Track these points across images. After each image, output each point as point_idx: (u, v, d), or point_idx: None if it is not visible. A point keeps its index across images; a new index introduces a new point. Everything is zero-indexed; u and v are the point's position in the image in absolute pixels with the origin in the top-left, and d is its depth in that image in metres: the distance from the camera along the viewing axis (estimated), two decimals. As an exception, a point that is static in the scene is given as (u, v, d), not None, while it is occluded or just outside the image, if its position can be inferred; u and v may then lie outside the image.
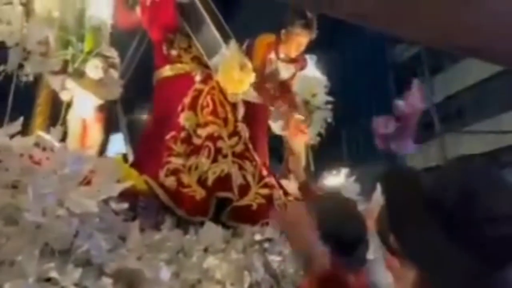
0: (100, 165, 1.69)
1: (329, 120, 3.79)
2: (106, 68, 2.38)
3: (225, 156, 2.42)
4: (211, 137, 2.44)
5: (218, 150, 2.42)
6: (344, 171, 3.04)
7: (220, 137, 2.46)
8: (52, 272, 1.48)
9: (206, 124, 2.50)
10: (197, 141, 2.46)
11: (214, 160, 2.39)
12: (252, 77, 2.68)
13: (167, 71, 3.03)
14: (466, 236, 0.77)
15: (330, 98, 3.82)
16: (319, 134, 3.72)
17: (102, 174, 1.66)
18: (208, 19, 2.80)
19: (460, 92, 17.11)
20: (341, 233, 1.49)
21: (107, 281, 1.69)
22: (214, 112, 2.56)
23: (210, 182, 2.32)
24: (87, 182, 1.71)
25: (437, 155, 17.83)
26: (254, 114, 3.04)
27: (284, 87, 3.34)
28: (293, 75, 3.37)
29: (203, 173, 2.35)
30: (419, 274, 0.85)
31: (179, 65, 3.01)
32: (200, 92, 2.65)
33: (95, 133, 2.28)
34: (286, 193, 2.78)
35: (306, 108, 3.51)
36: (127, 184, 1.73)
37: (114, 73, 2.70)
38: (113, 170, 1.69)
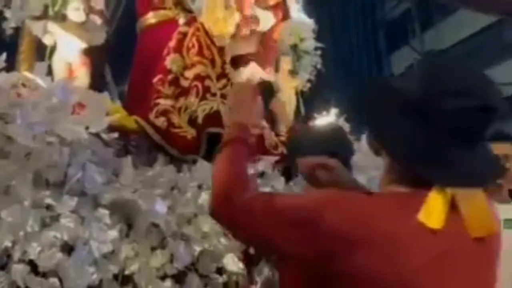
0: (89, 98, 1.71)
1: (319, 66, 3.81)
2: (87, 12, 2.36)
3: (213, 95, 2.44)
4: (198, 77, 2.45)
5: (206, 89, 2.44)
6: (334, 111, 3.07)
7: (207, 77, 2.47)
8: (47, 199, 1.53)
9: (192, 65, 2.50)
10: (185, 83, 2.47)
11: (203, 98, 2.41)
12: (236, 17, 2.67)
13: (150, 19, 2.99)
14: (426, 111, 0.82)
15: (319, 44, 3.82)
16: (309, 80, 3.74)
17: (91, 107, 1.68)
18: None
19: (452, 46, 17.05)
20: None
21: (103, 212, 1.74)
22: (200, 53, 2.56)
23: (200, 119, 2.35)
24: (76, 114, 1.73)
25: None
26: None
27: (267, 42, 3.27)
28: (275, 28, 3.29)
29: (193, 113, 2.37)
30: (390, 161, 0.91)
31: (162, 11, 2.98)
32: (184, 34, 2.63)
33: (81, 77, 2.28)
34: (277, 134, 2.83)
35: (295, 52, 3.51)
36: (115, 117, 1.76)
37: (98, 20, 2.69)
38: (102, 104, 1.71)
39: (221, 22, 2.60)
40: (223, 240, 2.04)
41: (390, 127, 0.87)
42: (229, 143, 1.12)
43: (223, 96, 2.58)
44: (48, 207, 1.53)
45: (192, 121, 2.37)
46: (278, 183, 2.44)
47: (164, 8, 2.98)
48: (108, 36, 2.74)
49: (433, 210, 0.80)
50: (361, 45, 20.44)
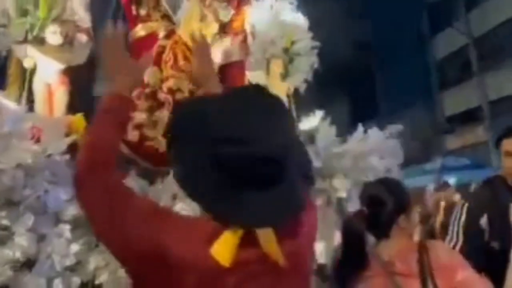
0: (46, 124, 1.84)
1: (316, 65, 3.79)
2: (67, 33, 2.50)
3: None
4: (170, 91, 2.55)
5: (176, 102, 2.53)
6: (318, 114, 3.07)
7: (179, 90, 2.56)
8: (3, 220, 1.68)
9: (167, 79, 2.60)
10: (161, 96, 2.57)
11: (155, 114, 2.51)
12: (213, 28, 2.73)
13: (139, 31, 3.10)
14: (215, 156, 0.85)
15: (315, 43, 3.80)
16: (305, 81, 3.73)
17: (47, 132, 1.82)
18: (167, -26, 2.84)
19: (497, 27, 16.17)
20: None
21: (64, 227, 1.88)
22: (175, 66, 2.65)
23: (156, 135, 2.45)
24: (36, 139, 1.87)
25: (476, 96, 17.18)
26: (229, 69, 3.13)
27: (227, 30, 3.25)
28: (237, 17, 3.24)
29: (166, 125, 2.47)
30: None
31: (149, 23, 3.09)
32: (163, 48, 2.74)
33: (60, 96, 2.43)
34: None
35: (287, 55, 3.51)
36: (71, 138, 1.88)
37: (82, 37, 2.84)
38: (58, 128, 1.83)
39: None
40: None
41: (186, 165, 0.91)
42: (104, 111, 1.11)
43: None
44: (5, 227, 1.69)
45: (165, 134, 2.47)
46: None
47: (151, 21, 3.10)
48: (94, 52, 2.88)
49: (223, 248, 0.85)
50: (404, 28, 19.75)
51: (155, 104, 2.55)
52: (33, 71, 2.43)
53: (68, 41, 2.69)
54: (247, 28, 3.48)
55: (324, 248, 2.72)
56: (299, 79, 3.70)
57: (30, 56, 2.41)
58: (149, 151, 2.41)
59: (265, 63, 3.44)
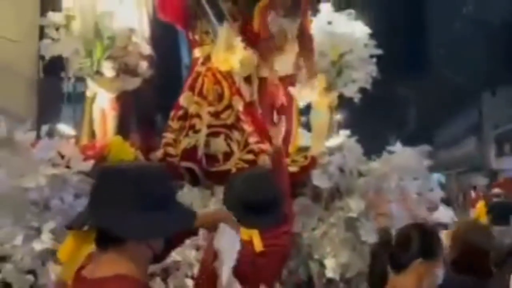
0: (69, 149, 2.47)
1: (374, 74, 3.79)
2: (119, 67, 3.12)
3: (196, 132, 2.92)
4: (190, 116, 2.97)
5: (191, 127, 2.94)
6: (343, 132, 3.14)
7: (197, 116, 2.97)
8: (33, 222, 2.34)
9: (194, 103, 3.02)
10: (190, 118, 3.02)
11: (186, 135, 2.93)
12: (240, 55, 3.05)
13: (196, 53, 3.58)
14: None
15: (375, 51, 3.79)
16: (361, 90, 3.77)
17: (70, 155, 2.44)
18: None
19: None
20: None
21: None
22: (201, 92, 3.05)
23: (179, 152, 2.89)
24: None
25: None
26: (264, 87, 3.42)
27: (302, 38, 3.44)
28: (303, 24, 3.42)
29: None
30: None
31: (204, 47, 3.53)
32: (198, 73, 3.16)
33: (111, 119, 3.07)
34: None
35: (333, 69, 3.61)
36: (90, 162, 2.48)
37: (144, 64, 3.45)
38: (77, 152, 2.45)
39: (222, 62, 3.03)
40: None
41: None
42: None
43: (225, 126, 3.04)
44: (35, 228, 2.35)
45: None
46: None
47: (205, 44, 3.53)
48: (153, 76, 3.48)
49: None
50: None
51: (187, 126, 3.01)
52: (93, 99, 3.12)
53: (129, 71, 3.33)
54: None
55: (332, 264, 2.87)
56: (350, 90, 3.76)
57: (91, 87, 3.10)
58: (170, 167, 2.88)
59: (313, 78, 3.59)
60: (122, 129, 3.10)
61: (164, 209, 1.17)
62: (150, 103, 3.51)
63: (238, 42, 3.10)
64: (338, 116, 3.61)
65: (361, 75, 3.75)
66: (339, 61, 3.63)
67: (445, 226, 5.01)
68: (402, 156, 3.04)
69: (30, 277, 2.29)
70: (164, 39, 3.77)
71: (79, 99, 3.31)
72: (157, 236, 1.19)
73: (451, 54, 32.37)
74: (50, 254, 2.39)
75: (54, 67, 3.64)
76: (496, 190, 10.72)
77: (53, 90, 4.46)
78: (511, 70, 25.29)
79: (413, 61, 41.10)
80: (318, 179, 2.86)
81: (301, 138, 3.66)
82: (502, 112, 26.10)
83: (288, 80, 3.58)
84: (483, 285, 2.18)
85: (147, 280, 1.31)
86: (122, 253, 1.13)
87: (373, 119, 49.12)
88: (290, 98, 3.55)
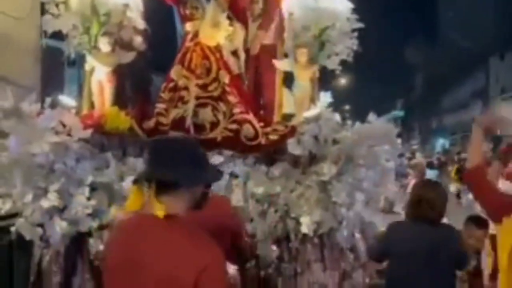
0: (70, 119, 2.81)
1: (355, 47, 4.04)
2: (115, 42, 3.41)
3: (184, 103, 3.25)
4: (179, 88, 3.29)
5: (180, 98, 3.26)
6: (320, 103, 3.44)
7: (185, 88, 3.28)
8: (40, 183, 2.72)
9: (182, 77, 3.33)
10: (179, 91, 3.34)
11: (175, 106, 3.25)
12: (225, 32, 3.33)
13: (187, 27, 3.84)
14: None
15: (356, 25, 4.02)
16: (343, 62, 4.03)
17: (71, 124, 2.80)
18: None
19: None
20: None
21: (85, 189, 2.86)
22: (189, 66, 3.35)
23: (169, 122, 3.22)
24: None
25: None
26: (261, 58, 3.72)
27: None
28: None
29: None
30: None
31: (194, 22, 3.79)
32: (188, 48, 3.45)
33: (107, 90, 3.40)
34: (265, 126, 3.43)
35: (315, 42, 3.86)
36: (89, 130, 2.83)
37: (138, 38, 3.74)
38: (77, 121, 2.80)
39: (209, 38, 3.31)
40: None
41: None
42: None
43: (212, 98, 3.36)
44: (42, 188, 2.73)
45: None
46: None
47: (195, 19, 3.79)
48: (146, 50, 3.77)
49: None
50: None
51: (176, 97, 3.32)
52: (91, 73, 3.43)
53: (124, 45, 3.62)
54: (285, 14, 3.94)
55: (307, 221, 3.24)
56: (332, 63, 4.02)
57: (89, 61, 3.41)
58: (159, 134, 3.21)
59: (294, 51, 3.86)
60: (119, 100, 3.43)
61: (203, 167, 1.61)
62: (145, 75, 3.82)
63: (224, 19, 3.37)
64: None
65: (343, 49, 3.99)
66: (322, 35, 3.87)
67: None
68: (373, 124, 3.34)
69: (39, 229, 2.69)
70: (160, 12, 4.03)
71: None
72: (199, 183, 1.60)
73: (459, 17, 31.90)
74: (56, 210, 2.78)
75: (58, 41, 3.94)
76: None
77: (57, 62, 4.77)
78: (520, 33, 24.99)
79: (421, 25, 40.55)
80: (293, 147, 3.19)
81: (289, 105, 3.96)
82: (509, 76, 26.02)
83: (269, 51, 3.87)
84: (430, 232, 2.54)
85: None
86: (175, 197, 1.54)
87: (381, 83, 49.03)
88: (271, 68, 3.85)
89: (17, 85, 3.93)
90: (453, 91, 35.23)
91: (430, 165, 13.82)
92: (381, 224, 3.57)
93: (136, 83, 3.67)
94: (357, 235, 3.52)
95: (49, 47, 4.49)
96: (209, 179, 1.66)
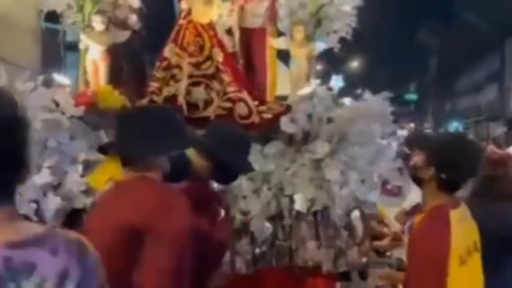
0: (63, 97, 2.86)
1: (353, 25, 4.00)
2: (109, 20, 3.43)
3: (177, 81, 3.26)
4: (172, 66, 3.30)
5: (172, 77, 3.28)
6: (315, 81, 3.44)
7: (177, 66, 3.29)
8: (33, 159, 2.77)
9: (175, 55, 3.34)
10: (171, 69, 3.35)
11: (167, 84, 3.27)
12: (218, 9, 3.33)
13: (183, 5, 3.84)
14: None
15: (356, 2, 3.98)
16: (342, 39, 4.00)
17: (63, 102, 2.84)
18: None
19: None
20: None
21: (79, 166, 2.92)
22: (182, 44, 3.36)
23: (162, 100, 3.24)
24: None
25: None
26: (250, 36, 3.72)
27: None
28: None
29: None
30: None
31: (189, 0, 3.79)
32: (181, 26, 3.46)
33: (102, 69, 3.43)
34: (260, 104, 3.44)
35: (312, 19, 3.83)
36: (82, 108, 2.87)
37: (133, 17, 3.76)
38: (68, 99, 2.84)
39: (201, 16, 3.32)
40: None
41: None
42: None
43: (205, 77, 3.38)
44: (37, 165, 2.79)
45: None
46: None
47: (191, -2, 3.79)
48: (141, 29, 3.79)
49: None
50: None
51: (168, 76, 3.35)
52: (86, 51, 3.46)
53: (119, 24, 3.64)
54: None
55: (301, 199, 3.27)
56: (332, 41, 4.00)
57: (83, 40, 3.44)
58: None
59: (291, 28, 3.84)
60: (114, 79, 3.46)
61: (171, 135, 1.67)
62: (140, 53, 3.84)
63: (216, -1, 3.37)
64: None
65: (341, 26, 3.96)
66: (319, 12, 3.84)
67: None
68: (368, 102, 3.34)
69: (33, 205, 2.76)
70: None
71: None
72: (156, 153, 1.67)
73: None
74: (49, 187, 2.85)
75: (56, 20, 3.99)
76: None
77: (58, 45, 4.83)
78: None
79: (436, 6, 39.82)
80: (286, 125, 3.20)
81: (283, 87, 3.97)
82: (525, 58, 25.54)
83: (262, 30, 3.87)
84: None
85: None
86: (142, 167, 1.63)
87: (394, 66, 48.43)
88: (263, 47, 3.84)
89: (16, 66, 3.98)
90: (468, 74, 34.70)
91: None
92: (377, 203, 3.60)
93: (131, 62, 3.69)
94: (356, 214, 3.55)
95: (49, 29, 4.52)
96: (174, 146, 1.71)
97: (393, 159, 3.48)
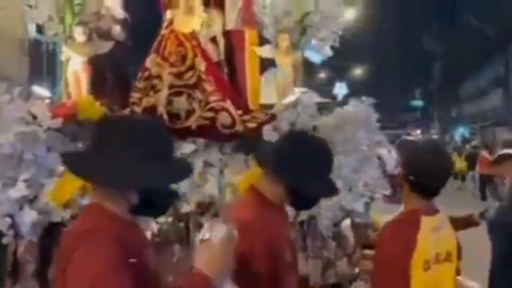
0: (39, 109, 2.82)
1: (340, 33, 3.95)
2: (90, 32, 3.41)
3: (156, 91, 3.22)
4: (152, 77, 3.26)
5: (152, 87, 3.23)
6: (300, 90, 3.38)
7: (157, 76, 3.25)
8: (9, 172, 2.74)
9: (156, 65, 3.30)
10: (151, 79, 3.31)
11: (147, 95, 3.23)
12: (199, 19, 3.30)
13: (168, 15, 3.81)
14: None
15: (341, 11, 3.93)
16: (331, 47, 3.95)
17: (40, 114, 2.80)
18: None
19: None
20: None
21: (56, 179, 2.87)
22: (163, 54, 3.32)
23: (141, 111, 3.20)
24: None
25: None
26: (233, 44, 3.67)
27: None
28: None
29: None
30: None
31: (173, 10, 3.77)
32: (163, 36, 3.42)
33: (83, 80, 3.40)
34: (244, 113, 3.39)
35: (298, 28, 3.79)
36: (60, 120, 2.84)
37: (117, 28, 3.74)
38: (45, 111, 2.80)
39: (181, 26, 3.28)
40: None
41: None
42: None
43: (187, 87, 3.33)
44: (11, 177, 2.75)
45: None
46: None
47: (174, 7, 3.76)
48: (126, 39, 3.76)
49: None
50: None
51: (148, 86, 3.30)
52: (67, 63, 3.44)
53: (102, 34, 3.62)
54: None
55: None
56: (319, 49, 3.95)
57: (64, 51, 3.42)
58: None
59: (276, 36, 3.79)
60: (97, 89, 3.43)
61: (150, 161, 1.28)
62: (124, 64, 3.81)
63: (198, 5, 3.34)
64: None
65: (327, 35, 3.91)
66: (304, 20, 3.79)
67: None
68: (353, 109, 3.28)
69: (8, 219, 2.71)
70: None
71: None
72: (118, 185, 1.30)
73: (478, 3, 31.16)
74: (25, 200, 2.80)
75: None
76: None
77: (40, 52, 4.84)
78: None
79: (440, 11, 39.74)
80: (268, 134, 3.14)
81: (269, 95, 3.91)
82: (530, 63, 25.32)
83: (238, 36, 3.82)
84: None
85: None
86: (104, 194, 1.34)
87: (399, 73, 48.26)
88: (242, 54, 3.80)
89: (2, 77, 3.97)
90: (472, 79, 34.48)
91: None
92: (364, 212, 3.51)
93: (115, 72, 3.66)
94: (347, 223, 3.47)
95: (36, 40, 4.53)
96: (142, 181, 1.28)
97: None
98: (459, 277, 2.54)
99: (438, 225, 1.94)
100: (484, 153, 13.44)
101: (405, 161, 2.05)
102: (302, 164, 1.70)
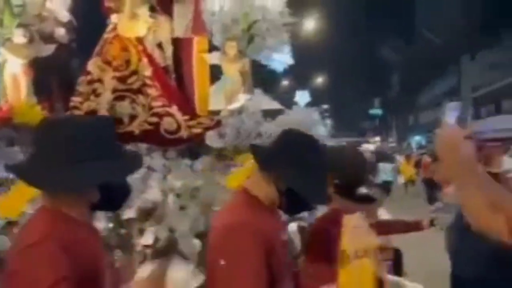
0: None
1: (287, 42, 4.03)
2: (31, 34, 3.32)
3: (97, 96, 3.17)
4: (93, 80, 3.21)
5: (93, 91, 3.18)
6: (244, 96, 3.42)
7: (99, 80, 3.20)
8: None
9: (98, 69, 3.26)
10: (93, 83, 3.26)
11: (88, 99, 3.18)
12: (145, 24, 3.28)
13: (113, 19, 3.76)
14: None
15: (289, 20, 4.00)
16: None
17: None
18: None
19: None
20: None
21: None
22: (106, 58, 3.28)
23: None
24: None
25: None
26: (181, 50, 3.67)
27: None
28: None
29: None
30: None
31: (119, 14, 3.72)
32: (105, 40, 3.37)
33: (23, 84, 3.31)
34: (190, 119, 3.38)
35: (245, 36, 3.83)
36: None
37: (60, 31, 3.66)
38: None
39: (126, 30, 3.25)
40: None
41: None
42: None
43: (131, 91, 3.29)
44: None
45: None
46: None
47: (119, 12, 3.71)
48: (71, 42, 3.69)
49: None
50: None
51: (90, 90, 3.25)
52: (3, 65, 3.34)
53: (44, 37, 3.53)
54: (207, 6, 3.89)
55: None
56: (265, 58, 4.00)
57: (2, 54, 3.31)
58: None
59: (223, 44, 3.83)
60: (39, 93, 3.34)
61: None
62: (68, 67, 3.73)
63: (144, 10, 3.31)
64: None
65: (274, 43, 3.98)
66: (251, 28, 3.84)
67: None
68: (297, 114, 3.33)
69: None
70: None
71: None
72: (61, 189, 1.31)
73: (433, 16, 32.45)
74: None
75: None
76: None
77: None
78: (489, 34, 25.51)
79: (397, 24, 41.12)
80: (212, 140, 3.15)
81: (218, 102, 3.93)
82: (480, 75, 26.52)
83: (186, 43, 3.83)
84: None
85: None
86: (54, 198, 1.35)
87: (358, 82, 49.44)
88: (189, 61, 3.80)
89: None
90: (428, 89, 35.76)
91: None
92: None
93: (59, 75, 3.58)
94: (293, 227, 3.50)
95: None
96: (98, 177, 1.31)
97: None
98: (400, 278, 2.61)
99: (357, 223, 2.03)
100: (426, 158, 13.81)
101: (330, 167, 2.13)
102: (294, 164, 1.69)
